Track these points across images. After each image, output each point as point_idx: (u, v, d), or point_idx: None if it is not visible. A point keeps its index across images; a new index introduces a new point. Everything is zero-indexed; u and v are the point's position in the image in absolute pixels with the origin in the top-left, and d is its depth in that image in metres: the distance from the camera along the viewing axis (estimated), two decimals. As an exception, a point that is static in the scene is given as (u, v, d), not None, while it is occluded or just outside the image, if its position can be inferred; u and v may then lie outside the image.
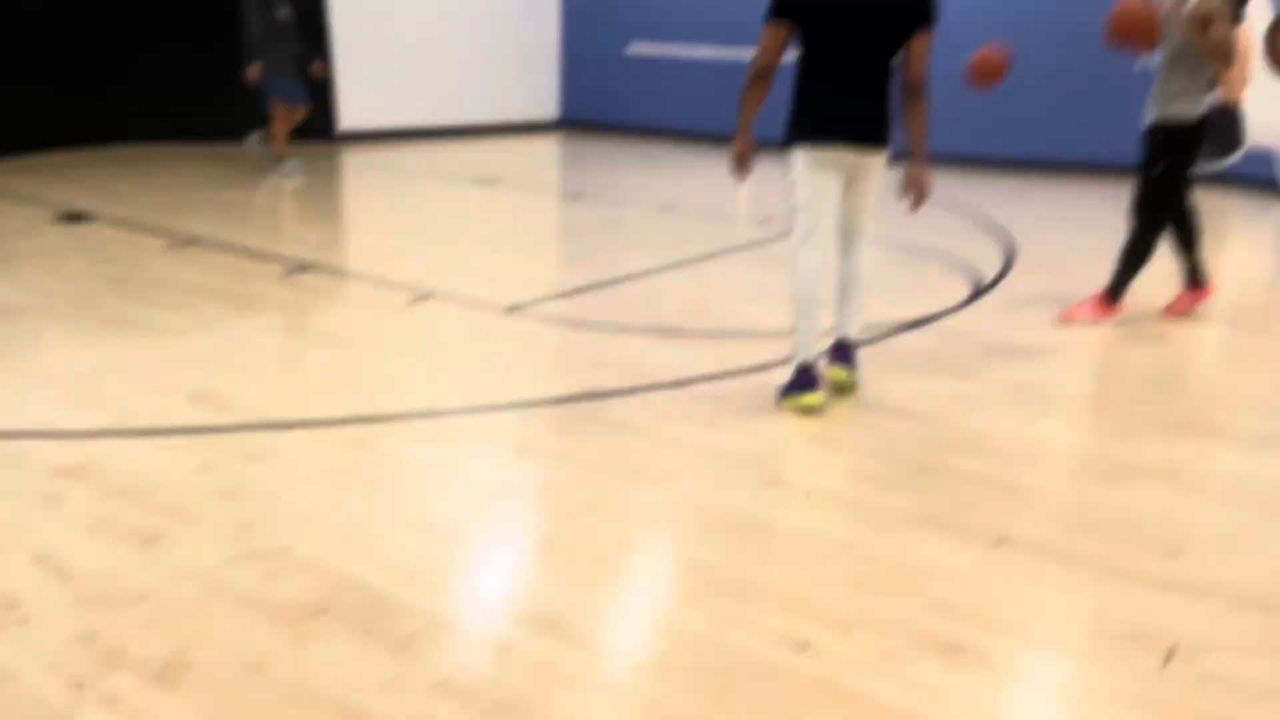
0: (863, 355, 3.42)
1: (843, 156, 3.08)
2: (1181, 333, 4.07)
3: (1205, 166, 7.48)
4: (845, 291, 3.32)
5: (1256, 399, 3.39)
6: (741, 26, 8.17)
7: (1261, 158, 7.52)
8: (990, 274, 4.94)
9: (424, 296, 4.35)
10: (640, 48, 10.53)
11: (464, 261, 5.17)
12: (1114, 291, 4.19)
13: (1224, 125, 7.49)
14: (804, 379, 3.18)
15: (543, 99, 11.14)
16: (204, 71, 7.94)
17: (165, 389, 3.21)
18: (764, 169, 3.41)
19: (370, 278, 4.77)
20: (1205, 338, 4.08)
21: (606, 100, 10.83)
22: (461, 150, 9.45)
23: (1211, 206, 6.69)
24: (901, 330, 3.97)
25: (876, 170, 3.18)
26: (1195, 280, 4.30)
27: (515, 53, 10.71)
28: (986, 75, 3.97)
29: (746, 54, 3.37)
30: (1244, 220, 7.11)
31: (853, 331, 3.36)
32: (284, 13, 6.69)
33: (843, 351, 3.35)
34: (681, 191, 7.40)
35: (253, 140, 7.16)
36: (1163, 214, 4.08)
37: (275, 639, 1.86)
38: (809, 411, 3.14)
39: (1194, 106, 3.89)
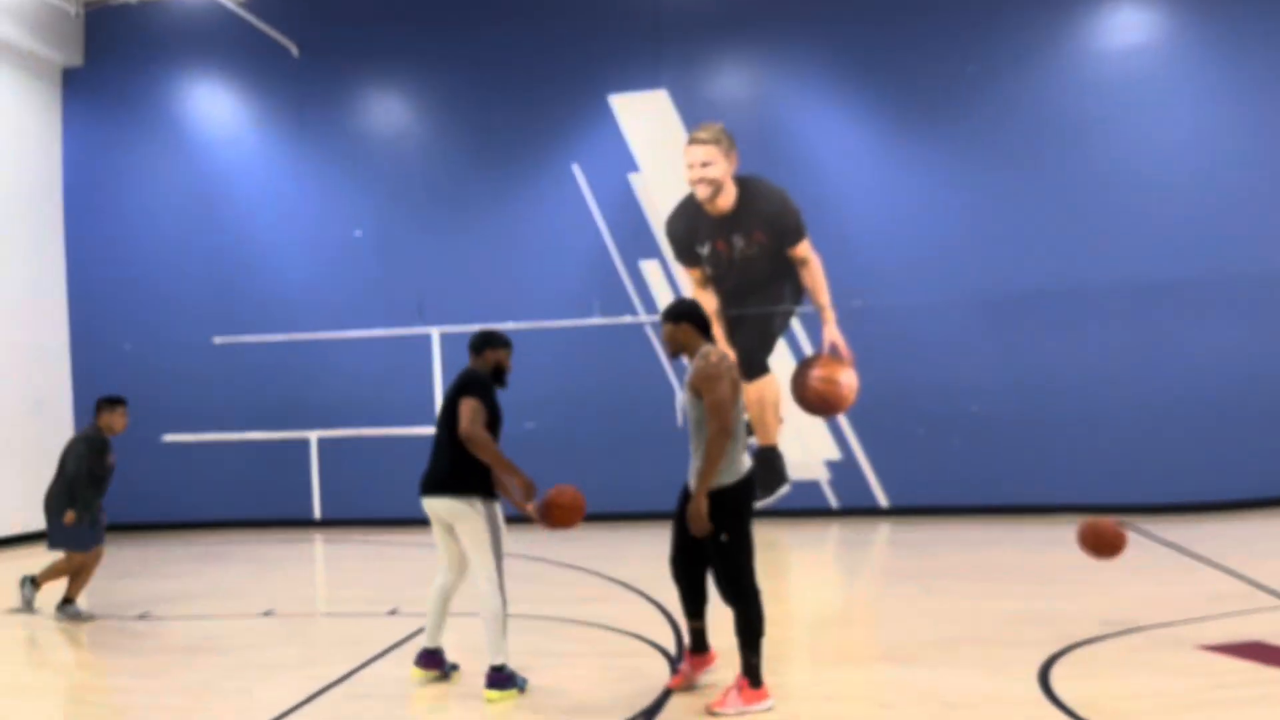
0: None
1: None
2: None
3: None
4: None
5: None
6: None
7: (809, 489, 10.57)
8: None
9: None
10: (176, 437, 11.58)
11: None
12: None
13: (765, 466, 10.73)
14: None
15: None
16: None
17: None
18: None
19: None
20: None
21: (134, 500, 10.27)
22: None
23: (770, 540, 9.34)
24: None
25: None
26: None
27: (26, 458, 10.33)
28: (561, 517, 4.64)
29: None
30: (799, 548, 9.21)
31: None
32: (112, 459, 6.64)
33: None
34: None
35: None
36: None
37: None
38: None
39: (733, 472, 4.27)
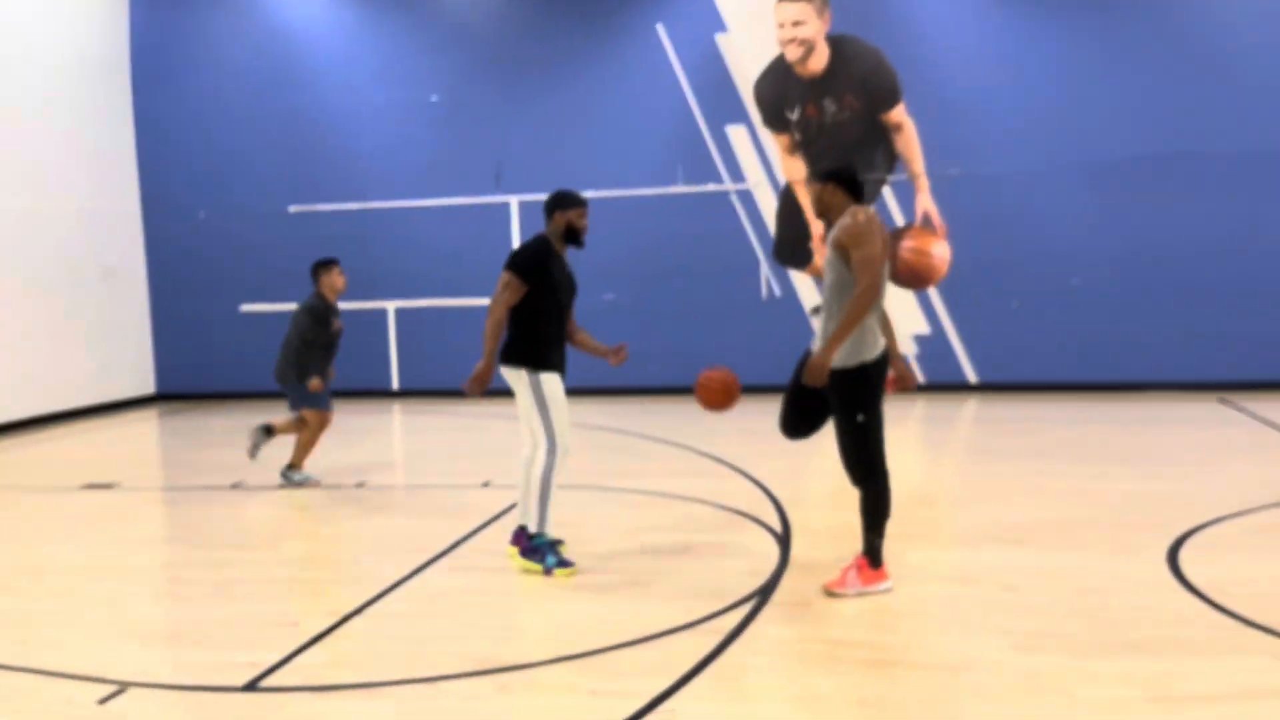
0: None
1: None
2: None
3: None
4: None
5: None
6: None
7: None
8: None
9: (119, 689, 3.33)
10: (253, 306, 11.49)
11: (145, 617, 4.24)
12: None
13: None
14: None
15: (136, 374, 11.44)
16: None
17: None
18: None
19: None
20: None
21: (210, 369, 11.52)
22: (49, 444, 8.86)
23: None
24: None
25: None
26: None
27: (97, 328, 10.75)
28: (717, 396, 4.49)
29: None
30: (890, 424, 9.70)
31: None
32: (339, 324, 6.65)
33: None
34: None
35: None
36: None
37: None
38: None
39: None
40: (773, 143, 10.60)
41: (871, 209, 4.17)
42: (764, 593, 4.26)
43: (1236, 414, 8.48)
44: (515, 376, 4.58)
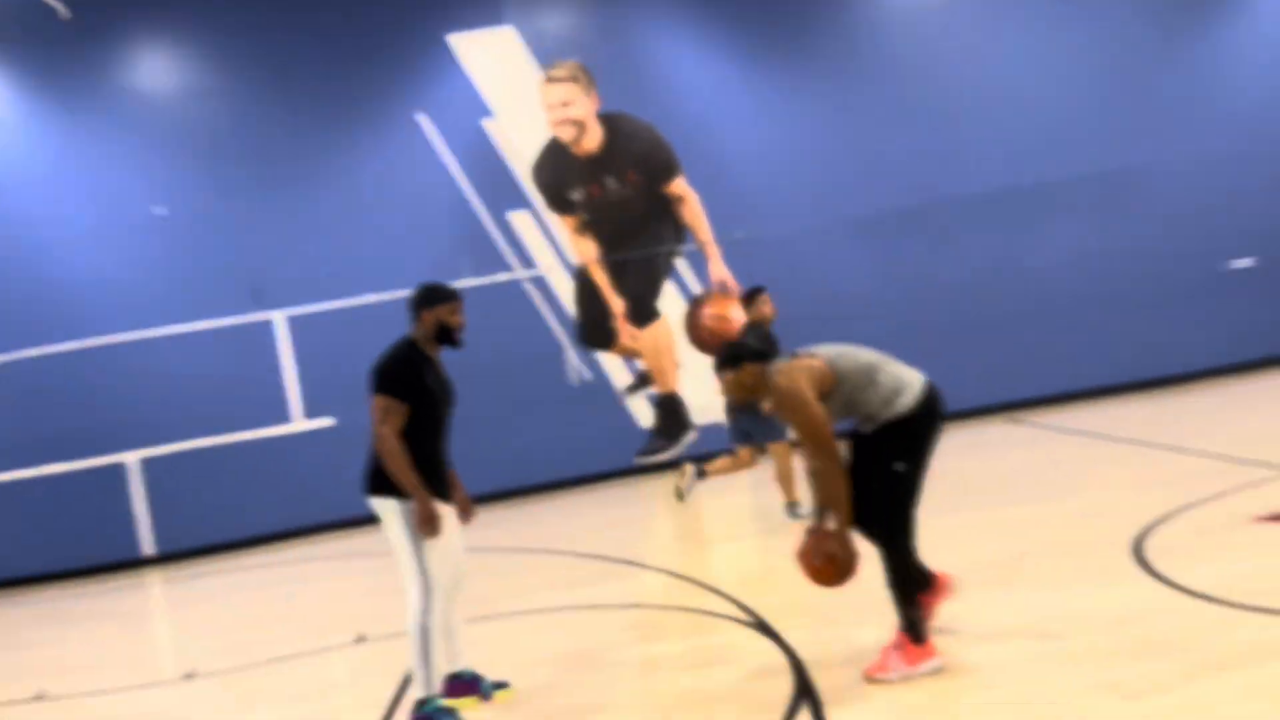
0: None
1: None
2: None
3: (653, 455, 10.09)
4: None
5: None
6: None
7: (716, 432, 10.44)
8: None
9: None
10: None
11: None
12: None
13: (667, 414, 10.41)
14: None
15: None
16: None
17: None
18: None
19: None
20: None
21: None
22: None
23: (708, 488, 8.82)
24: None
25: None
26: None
27: None
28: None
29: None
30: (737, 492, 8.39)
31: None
32: None
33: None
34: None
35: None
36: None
37: None
38: None
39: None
40: (559, 224, 10.29)
41: (785, 360, 3.84)
42: (805, 694, 3.75)
43: (1034, 430, 9.16)
44: (383, 507, 3.99)
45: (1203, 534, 5.12)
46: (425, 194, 10.18)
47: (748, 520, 7.97)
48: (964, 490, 6.78)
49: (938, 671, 3.77)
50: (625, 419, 10.40)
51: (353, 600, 6.79)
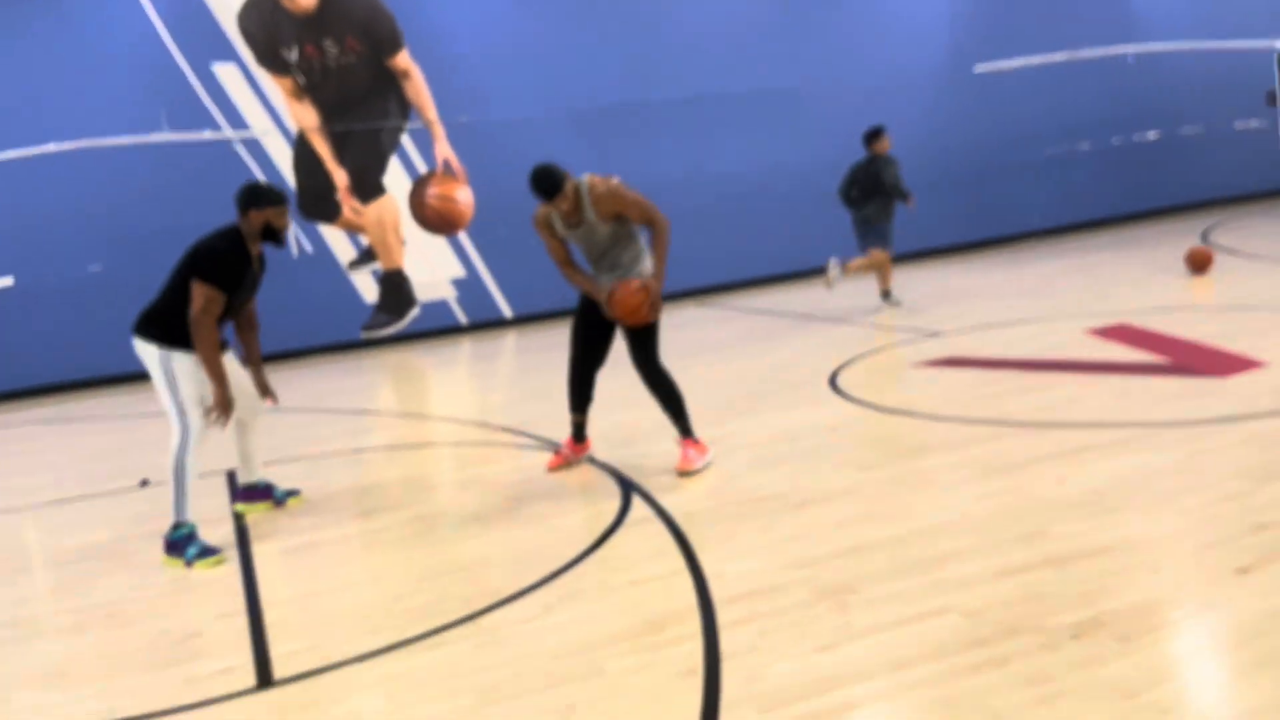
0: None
1: None
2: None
3: (378, 330, 10.34)
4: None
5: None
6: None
7: (438, 308, 10.89)
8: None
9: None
10: None
11: None
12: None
13: (391, 290, 10.70)
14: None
15: None
16: None
17: None
18: None
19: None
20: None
21: None
22: None
23: (400, 362, 9.56)
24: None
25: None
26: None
27: None
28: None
29: None
30: (437, 366, 9.48)
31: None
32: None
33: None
34: None
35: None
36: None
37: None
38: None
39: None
40: (274, 86, 9.94)
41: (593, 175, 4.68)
42: (628, 485, 4.59)
43: (723, 310, 10.61)
44: (146, 352, 4.34)
45: (878, 374, 6.60)
46: (116, 35, 9.34)
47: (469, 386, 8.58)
48: (687, 355, 7.93)
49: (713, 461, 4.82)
50: (349, 292, 10.46)
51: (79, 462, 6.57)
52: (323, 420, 7.12)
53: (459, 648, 3.33)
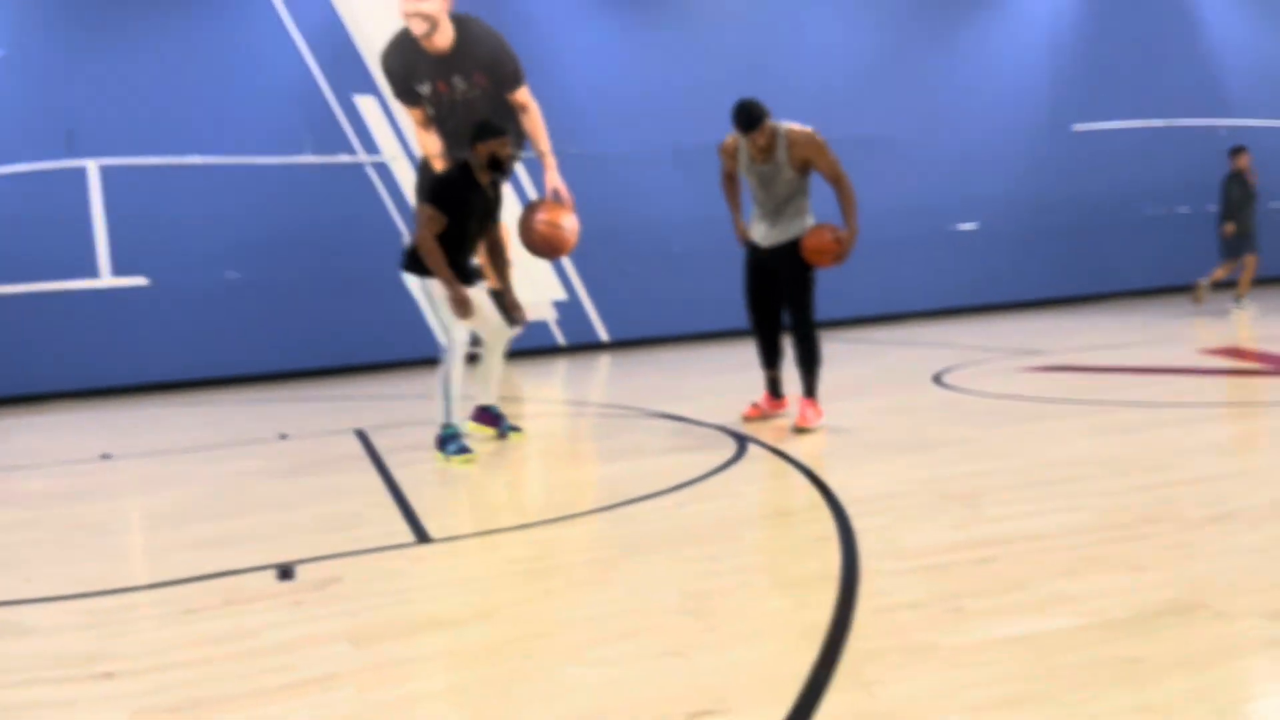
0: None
1: None
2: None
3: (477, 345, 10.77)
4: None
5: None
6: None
7: (539, 329, 11.35)
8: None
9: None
10: None
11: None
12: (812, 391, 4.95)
13: (499, 307, 11.12)
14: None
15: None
16: None
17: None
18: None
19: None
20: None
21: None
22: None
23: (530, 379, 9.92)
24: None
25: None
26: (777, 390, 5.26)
27: None
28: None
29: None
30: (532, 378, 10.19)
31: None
32: None
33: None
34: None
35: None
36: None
37: None
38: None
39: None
40: (405, 115, 10.61)
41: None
42: (735, 458, 4.76)
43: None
44: (410, 283, 4.90)
45: (982, 375, 6.68)
46: (267, 64, 10.11)
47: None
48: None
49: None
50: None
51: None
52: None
53: (599, 524, 3.52)
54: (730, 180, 5.17)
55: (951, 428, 4.77)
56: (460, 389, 4.81)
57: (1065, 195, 12.76)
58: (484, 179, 4.87)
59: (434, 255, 4.64)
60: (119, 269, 9.79)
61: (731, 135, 5.02)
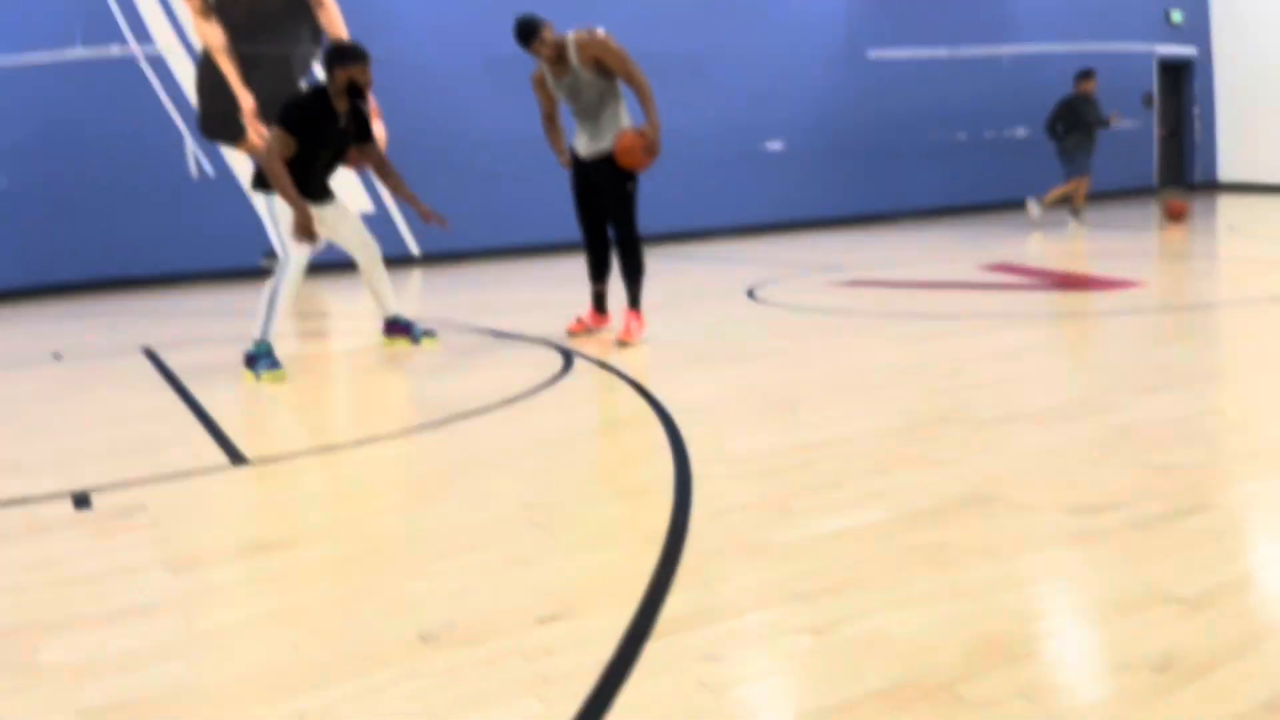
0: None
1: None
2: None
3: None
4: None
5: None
6: None
7: None
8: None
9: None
10: None
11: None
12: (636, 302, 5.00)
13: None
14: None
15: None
16: None
17: None
18: None
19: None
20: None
21: None
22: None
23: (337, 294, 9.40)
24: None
25: None
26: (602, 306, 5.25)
27: None
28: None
29: None
30: (337, 295, 10.23)
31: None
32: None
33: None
34: None
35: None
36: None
37: None
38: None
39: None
40: (181, 4, 9.69)
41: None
42: (563, 373, 4.79)
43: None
44: (256, 200, 4.81)
45: (790, 291, 6.98)
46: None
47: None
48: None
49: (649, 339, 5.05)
50: (250, 216, 10.23)
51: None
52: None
53: (429, 440, 3.47)
54: (550, 120, 5.12)
55: (766, 339, 4.99)
56: (287, 308, 4.59)
57: (861, 119, 13.35)
58: (341, 106, 4.63)
59: (279, 177, 4.43)
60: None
61: (537, 68, 4.96)
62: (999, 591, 2.06)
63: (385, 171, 5.13)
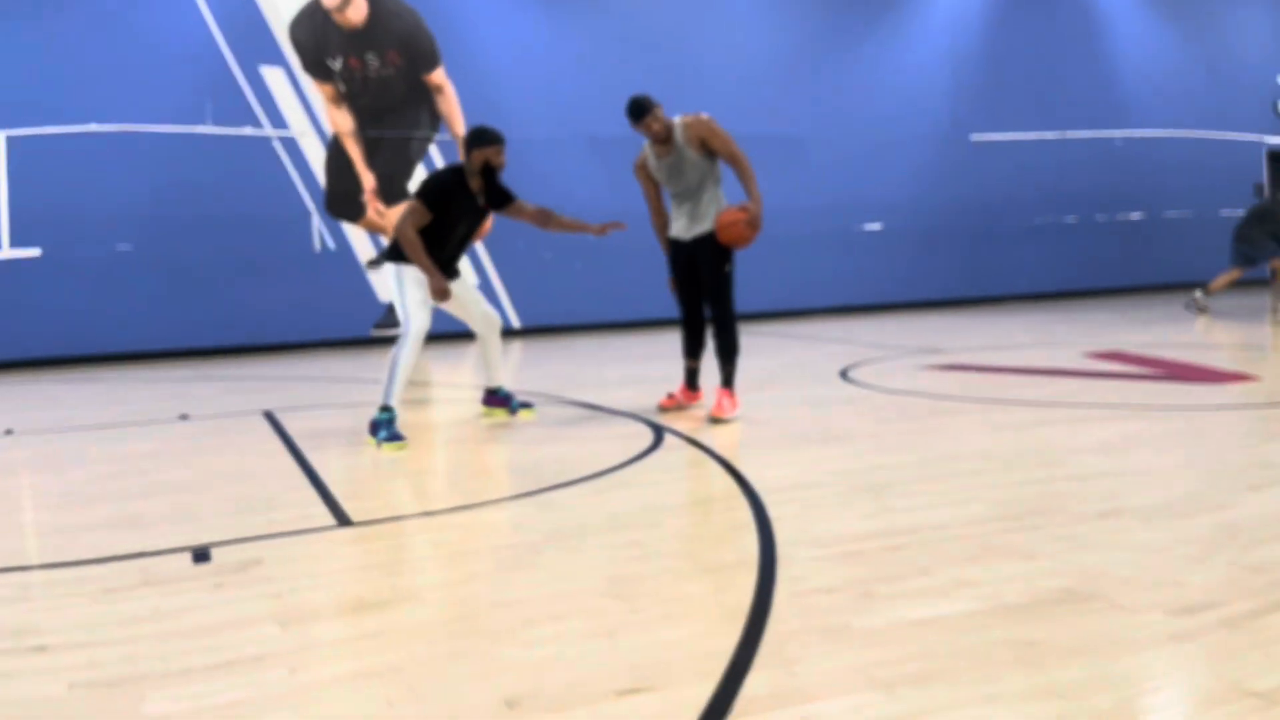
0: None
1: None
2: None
3: (388, 329, 10.84)
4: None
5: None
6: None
7: (449, 315, 11.36)
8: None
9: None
10: None
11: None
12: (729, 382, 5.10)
13: None
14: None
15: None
16: None
17: None
18: None
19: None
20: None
21: None
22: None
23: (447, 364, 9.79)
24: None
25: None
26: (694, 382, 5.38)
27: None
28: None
29: None
30: (439, 363, 10.65)
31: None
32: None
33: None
34: None
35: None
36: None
37: None
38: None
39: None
40: (316, 91, 10.38)
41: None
42: (653, 449, 4.87)
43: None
44: (387, 271, 5.00)
45: (885, 372, 6.94)
46: (169, 31, 9.77)
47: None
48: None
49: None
50: (365, 289, 10.74)
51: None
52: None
53: (521, 510, 3.58)
54: (655, 206, 5.30)
55: (858, 421, 4.98)
56: (408, 376, 4.81)
57: (963, 201, 13.28)
58: (475, 185, 4.94)
59: (413, 245, 4.73)
60: (16, 240, 9.35)
61: (640, 154, 5.18)
62: (1091, 693, 2.02)
63: (547, 218, 5.29)
